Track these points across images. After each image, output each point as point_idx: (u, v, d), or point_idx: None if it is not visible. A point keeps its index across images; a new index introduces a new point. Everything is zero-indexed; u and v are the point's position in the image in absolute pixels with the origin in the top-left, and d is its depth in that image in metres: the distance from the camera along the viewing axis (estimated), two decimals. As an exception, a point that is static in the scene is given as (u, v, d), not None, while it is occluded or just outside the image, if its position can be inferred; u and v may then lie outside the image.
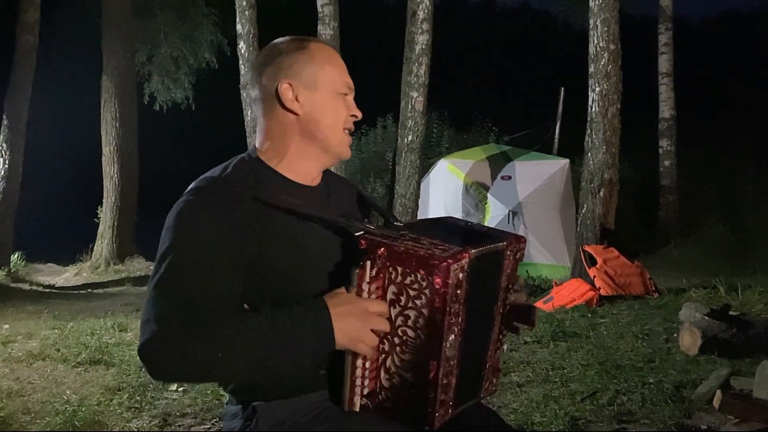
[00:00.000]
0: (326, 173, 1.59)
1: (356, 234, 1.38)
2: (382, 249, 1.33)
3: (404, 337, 1.34)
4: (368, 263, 1.33)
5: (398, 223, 1.51)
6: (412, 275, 1.31)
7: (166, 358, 1.27)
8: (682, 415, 3.22)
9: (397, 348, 1.34)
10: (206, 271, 1.32)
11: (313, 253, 1.42)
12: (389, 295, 1.34)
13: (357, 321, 1.31)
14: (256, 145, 1.53)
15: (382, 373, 1.36)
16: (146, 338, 1.27)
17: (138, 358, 1.32)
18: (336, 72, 1.52)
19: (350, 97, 1.55)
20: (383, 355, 1.36)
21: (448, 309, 1.31)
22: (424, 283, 1.30)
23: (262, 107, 1.52)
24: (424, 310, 1.31)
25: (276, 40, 1.56)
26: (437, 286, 1.29)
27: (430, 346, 1.32)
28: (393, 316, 1.34)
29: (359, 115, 1.54)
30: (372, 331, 1.33)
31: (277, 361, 1.31)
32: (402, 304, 1.33)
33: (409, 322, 1.33)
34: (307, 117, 1.49)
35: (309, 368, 1.38)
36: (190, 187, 1.41)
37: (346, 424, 1.36)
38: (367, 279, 1.33)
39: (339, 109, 1.51)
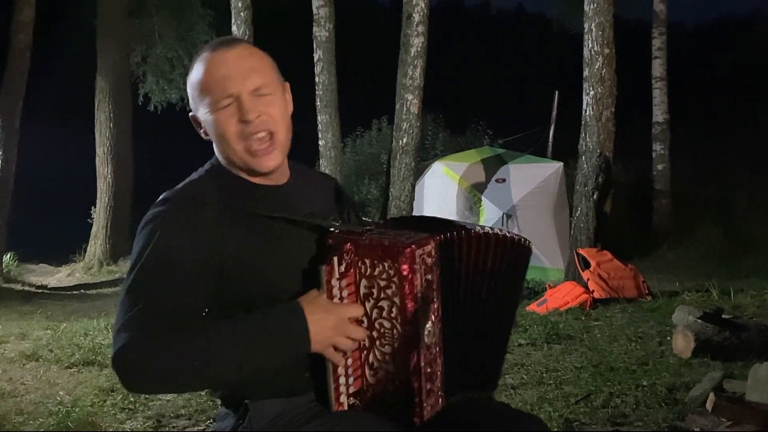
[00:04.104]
0: (297, 169, 1.57)
1: (322, 232, 1.40)
2: (349, 244, 1.34)
3: (381, 330, 1.34)
4: (335, 259, 1.34)
5: (366, 219, 1.52)
6: (380, 265, 1.31)
7: (141, 367, 1.25)
8: (675, 417, 3.23)
9: (377, 342, 1.35)
10: (174, 278, 1.32)
11: (283, 251, 1.42)
12: (362, 290, 1.34)
13: (330, 329, 1.32)
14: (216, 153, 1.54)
15: (367, 370, 1.36)
16: (119, 346, 1.25)
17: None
18: (210, 86, 1.41)
19: (241, 104, 1.40)
20: (365, 352, 1.36)
21: (419, 295, 1.31)
22: (392, 272, 1.30)
23: None
24: (396, 299, 1.31)
25: None
26: (405, 273, 1.29)
27: (407, 335, 1.32)
28: (368, 310, 1.34)
29: (248, 117, 1.39)
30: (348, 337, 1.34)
31: (254, 366, 1.31)
32: (375, 296, 1.33)
33: (384, 314, 1.33)
34: (213, 140, 1.47)
35: (293, 371, 1.38)
36: (158, 199, 1.43)
37: (336, 423, 1.36)
38: (337, 275, 1.34)
39: (223, 124, 1.41)
